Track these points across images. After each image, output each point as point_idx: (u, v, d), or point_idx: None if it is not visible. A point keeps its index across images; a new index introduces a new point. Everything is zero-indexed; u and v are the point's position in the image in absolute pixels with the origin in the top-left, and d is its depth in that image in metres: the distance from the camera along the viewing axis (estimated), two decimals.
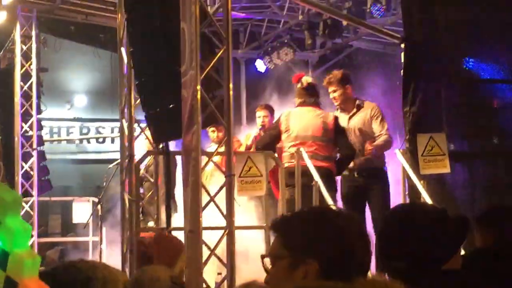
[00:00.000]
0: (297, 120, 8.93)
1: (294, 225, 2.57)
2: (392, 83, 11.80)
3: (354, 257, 2.47)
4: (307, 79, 9.35)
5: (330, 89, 9.35)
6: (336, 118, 8.98)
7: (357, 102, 9.38)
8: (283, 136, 8.95)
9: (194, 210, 6.49)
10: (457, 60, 9.00)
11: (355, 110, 9.34)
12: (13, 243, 1.99)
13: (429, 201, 7.73)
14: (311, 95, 9.12)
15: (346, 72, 9.48)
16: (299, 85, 9.26)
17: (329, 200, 7.89)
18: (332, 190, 8.46)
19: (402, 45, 8.86)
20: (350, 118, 9.33)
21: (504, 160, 9.27)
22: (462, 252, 3.12)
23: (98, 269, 2.40)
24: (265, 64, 14.74)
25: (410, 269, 2.86)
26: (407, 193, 8.27)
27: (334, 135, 8.85)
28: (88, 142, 20.22)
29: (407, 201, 8.15)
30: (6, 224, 2.00)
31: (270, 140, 9.04)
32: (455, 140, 8.84)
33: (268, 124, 10.24)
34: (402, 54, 8.83)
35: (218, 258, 6.73)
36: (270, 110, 10.53)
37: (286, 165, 8.57)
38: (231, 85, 6.86)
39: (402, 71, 8.77)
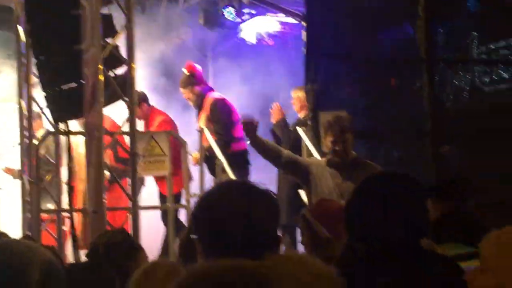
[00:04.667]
0: None
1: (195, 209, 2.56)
2: (291, 63, 11.81)
3: (257, 234, 2.43)
4: (199, 66, 9.53)
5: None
6: None
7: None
8: None
9: (97, 190, 6.41)
10: (357, 41, 9.10)
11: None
12: None
13: None
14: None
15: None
16: (194, 74, 9.36)
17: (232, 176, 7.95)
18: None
19: (304, 23, 8.91)
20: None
21: (403, 139, 9.45)
22: None
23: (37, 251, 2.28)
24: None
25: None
26: None
27: None
28: None
29: None
30: None
31: None
32: (355, 119, 8.95)
33: None
34: (304, 32, 8.87)
35: None
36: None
37: None
38: (133, 64, 6.79)
39: (304, 49, 8.81)
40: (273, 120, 9.30)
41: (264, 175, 8.94)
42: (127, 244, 4.55)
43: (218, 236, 2.41)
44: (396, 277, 2.87)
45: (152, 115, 9.49)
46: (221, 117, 8.94)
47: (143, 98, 9.40)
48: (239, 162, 8.78)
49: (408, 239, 2.99)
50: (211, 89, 9.42)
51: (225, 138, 8.75)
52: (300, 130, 8.51)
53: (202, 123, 9.03)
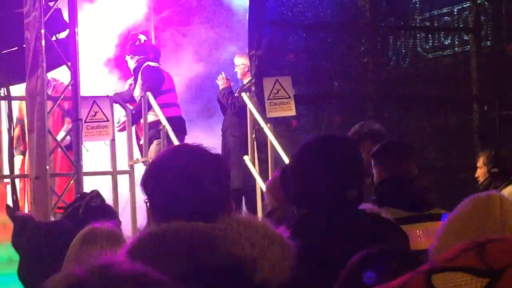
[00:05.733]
0: None
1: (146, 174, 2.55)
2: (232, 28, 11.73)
3: (208, 198, 2.43)
4: (143, 36, 9.52)
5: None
6: None
7: None
8: None
9: (40, 156, 6.34)
10: (300, 8, 9.11)
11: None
12: None
13: (275, 143, 7.84)
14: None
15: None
16: (137, 43, 9.33)
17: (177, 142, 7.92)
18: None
19: None
20: None
21: (347, 102, 9.52)
22: None
23: None
24: None
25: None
26: (254, 136, 8.34)
27: None
28: None
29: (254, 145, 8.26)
30: None
31: None
32: (300, 84, 8.98)
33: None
34: None
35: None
36: None
37: None
38: (77, 29, 6.71)
39: (247, 15, 8.79)
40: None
41: (211, 141, 8.94)
42: (106, 207, 4.55)
43: (169, 201, 2.41)
44: (342, 241, 2.90)
45: None
46: (149, 82, 8.93)
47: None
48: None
49: (349, 202, 3.02)
50: (151, 59, 9.37)
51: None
52: (244, 96, 8.50)
53: (136, 91, 9.09)
